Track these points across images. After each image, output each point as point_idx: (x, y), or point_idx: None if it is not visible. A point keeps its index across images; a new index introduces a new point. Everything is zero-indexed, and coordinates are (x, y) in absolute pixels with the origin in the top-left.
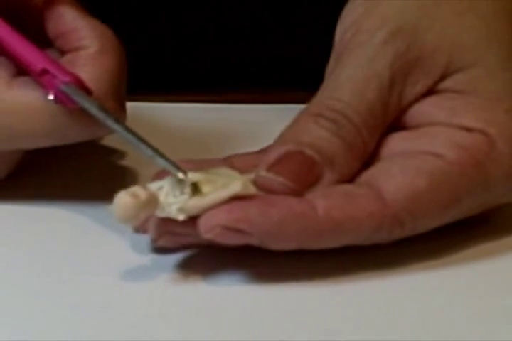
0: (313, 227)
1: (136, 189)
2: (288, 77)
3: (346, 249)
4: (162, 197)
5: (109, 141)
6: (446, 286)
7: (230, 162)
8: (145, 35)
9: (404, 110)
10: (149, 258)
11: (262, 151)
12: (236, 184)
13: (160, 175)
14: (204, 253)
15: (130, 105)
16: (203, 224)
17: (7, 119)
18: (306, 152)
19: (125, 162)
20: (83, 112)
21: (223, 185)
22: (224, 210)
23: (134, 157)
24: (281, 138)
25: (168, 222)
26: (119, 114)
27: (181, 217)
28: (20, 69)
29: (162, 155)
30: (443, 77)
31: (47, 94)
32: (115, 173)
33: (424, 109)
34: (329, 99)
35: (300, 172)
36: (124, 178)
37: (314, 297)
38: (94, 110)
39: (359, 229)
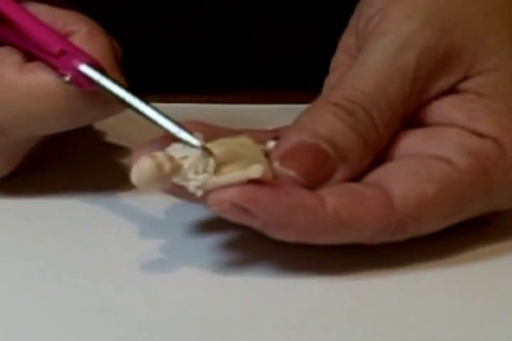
0: (318, 223)
1: (161, 159)
2: (287, 77)
3: (353, 247)
4: (185, 169)
5: (114, 137)
6: (446, 287)
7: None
8: (144, 35)
9: (422, 106)
10: (158, 254)
11: (275, 130)
12: (257, 168)
13: (163, 140)
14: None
15: None
16: (212, 197)
17: (22, 103)
18: (321, 146)
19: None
20: (97, 92)
21: (244, 167)
22: (237, 188)
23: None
24: (297, 125)
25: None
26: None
27: (198, 194)
28: (30, 55)
29: (186, 130)
30: (465, 78)
31: (63, 75)
32: (120, 170)
33: (443, 108)
34: (350, 89)
35: (313, 167)
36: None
37: (318, 295)
38: (115, 88)
39: (363, 231)
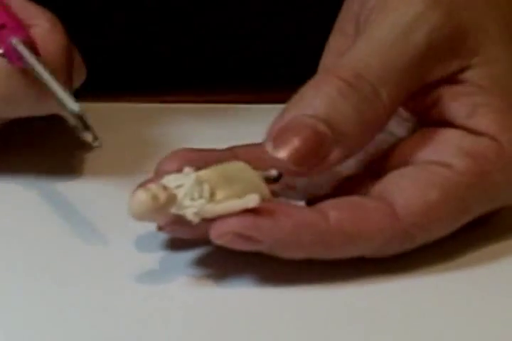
0: (324, 239)
1: (156, 190)
2: (288, 76)
3: None
4: (180, 197)
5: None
6: (447, 288)
7: (234, 153)
8: (140, 35)
9: (424, 96)
10: (157, 260)
11: None
12: (253, 198)
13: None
14: (213, 254)
15: (130, 106)
16: (214, 230)
17: None
18: (319, 127)
19: (131, 158)
20: (37, 83)
21: (240, 191)
22: (236, 217)
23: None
24: (298, 97)
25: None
26: (68, 84)
27: (195, 220)
28: None
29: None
30: (469, 66)
31: None
32: (119, 170)
33: (444, 102)
34: (359, 62)
35: (307, 151)
36: (128, 176)
37: (321, 300)
38: (37, 67)
39: (370, 243)
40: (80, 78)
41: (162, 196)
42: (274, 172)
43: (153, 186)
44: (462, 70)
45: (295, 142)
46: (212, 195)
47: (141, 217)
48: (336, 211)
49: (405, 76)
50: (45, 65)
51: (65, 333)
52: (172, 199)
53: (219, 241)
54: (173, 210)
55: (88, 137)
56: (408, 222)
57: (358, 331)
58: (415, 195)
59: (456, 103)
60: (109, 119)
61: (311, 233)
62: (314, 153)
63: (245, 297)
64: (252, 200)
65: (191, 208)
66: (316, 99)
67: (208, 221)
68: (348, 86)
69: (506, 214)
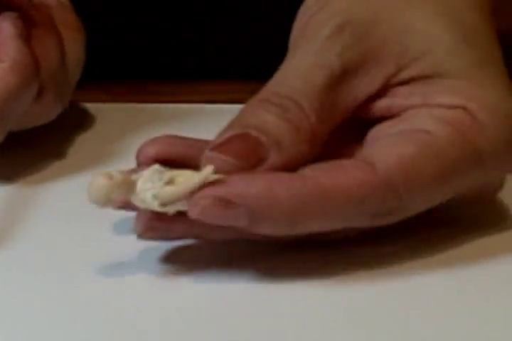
0: (300, 195)
1: (111, 171)
2: None
3: (347, 246)
4: (140, 183)
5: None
6: (448, 288)
7: None
8: (138, 34)
9: (365, 102)
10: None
11: None
12: (209, 168)
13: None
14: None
15: (129, 106)
16: (191, 203)
17: None
18: (251, 133)
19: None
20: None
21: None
22: (210, 186)
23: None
24: (229, 124)
25: (153, 217)
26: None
27: (155, 204)
28: None
29: None
30: (401, 67)
31: None
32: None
33: (397, 100)
34: (277, 86)
35: (244, 152)
36: None
37: (313, 296)
38: None
39: (349, 197)
40: (46, 117)
41: (117, 175)
42: None
43: (109, 170)
44: (398, 72)
45: (232, 145)
46: (171, 180)
47: (97, 197)
48: (311, 169)
49: (326, 91)
50: None
51: (57, 330)
52: (128, 180)
53: (197, 209)
54: (133, 199)
55: None
56: (388, 174)
57: (357, 331)
58: (392, 151)
59: (409, 95)
60: (109, 119)
61: (287, 187)
62: (252, 153)
63: (238, 294)
64: (208, 170)
65: (150, 190)
66: (244, 118)
67: (185, 216)
68: (271, 104)
69: (506, 214)
